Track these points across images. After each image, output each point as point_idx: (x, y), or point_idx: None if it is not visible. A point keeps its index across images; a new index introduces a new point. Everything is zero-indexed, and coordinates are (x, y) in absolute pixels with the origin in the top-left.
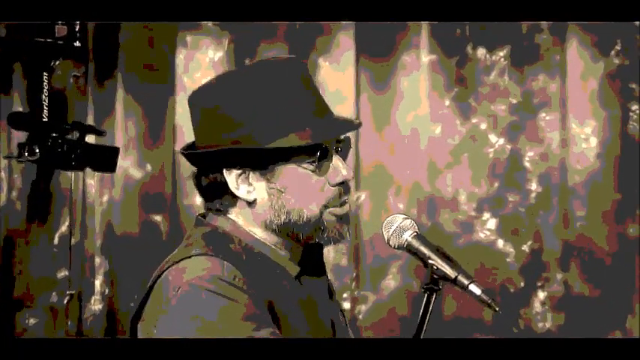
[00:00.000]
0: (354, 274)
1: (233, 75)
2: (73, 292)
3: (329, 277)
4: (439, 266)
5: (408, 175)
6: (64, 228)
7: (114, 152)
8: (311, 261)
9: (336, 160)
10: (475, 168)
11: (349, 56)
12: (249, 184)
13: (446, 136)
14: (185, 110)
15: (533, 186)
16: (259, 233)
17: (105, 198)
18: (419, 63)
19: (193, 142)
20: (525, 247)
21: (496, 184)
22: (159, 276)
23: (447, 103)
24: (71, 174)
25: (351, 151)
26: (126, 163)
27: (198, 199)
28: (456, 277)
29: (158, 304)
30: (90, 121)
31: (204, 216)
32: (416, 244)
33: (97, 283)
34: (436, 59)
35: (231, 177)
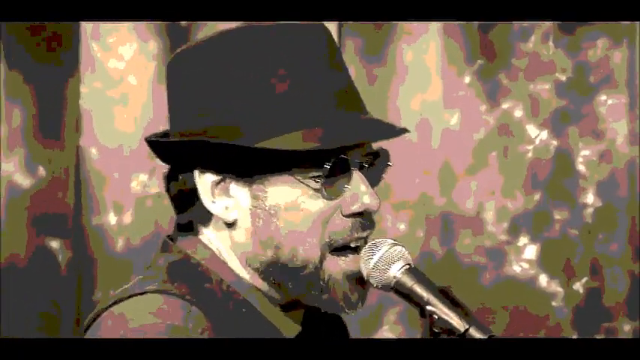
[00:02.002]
0: None
1: (231, 36)
2: None
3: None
4: (441, 315)
5: (412, 184)
6: None
7: None
8: (321, 320)
9: (358, 180)
10: (507, 173)
11: None
12: (230, 197)
13: (466, 129)
14: (93, 90)
15: (590, 198)
16: (242, 272)
17: None
18: (427, 25)
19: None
20: (579, 286)
21: (537, 197)
22: (94, 319)
23: (468, 80)
24: None
25: None
26: (8, 166)
27: (112, 218)
28: (467, 330)
29: None
30: None
31: (173, 238)
32: (408, 282)
33: None
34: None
35: (204, 183)
